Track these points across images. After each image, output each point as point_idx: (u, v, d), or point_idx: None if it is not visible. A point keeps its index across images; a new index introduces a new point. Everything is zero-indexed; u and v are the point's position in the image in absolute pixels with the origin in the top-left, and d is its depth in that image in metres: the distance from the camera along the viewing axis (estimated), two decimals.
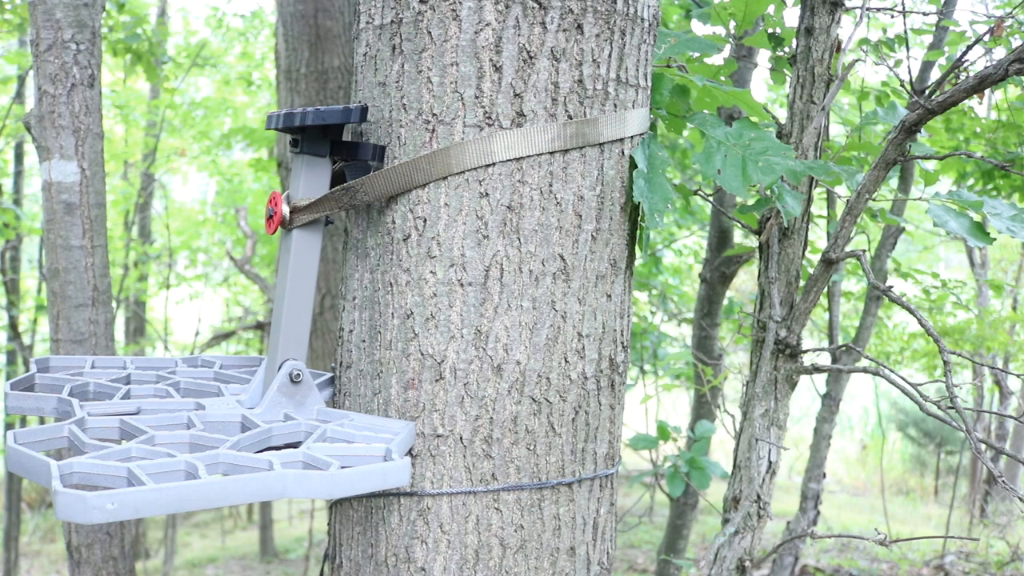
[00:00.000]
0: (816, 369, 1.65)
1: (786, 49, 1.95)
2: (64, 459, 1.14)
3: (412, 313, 1.36)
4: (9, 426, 8.84)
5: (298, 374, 1.43)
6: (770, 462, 1.69)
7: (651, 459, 3.12)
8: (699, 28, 3.28)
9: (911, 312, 1.36)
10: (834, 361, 2.00)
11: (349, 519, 1.46)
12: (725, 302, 3.65)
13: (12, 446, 1.19)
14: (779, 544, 1.60)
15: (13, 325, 8.01)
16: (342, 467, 1.19)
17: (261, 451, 1.29)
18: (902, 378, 1.40)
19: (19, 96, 8.33)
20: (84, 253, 2.52)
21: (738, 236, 3.73)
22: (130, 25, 6.04)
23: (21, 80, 8.14)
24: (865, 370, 1.50)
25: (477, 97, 1.32)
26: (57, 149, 2.47)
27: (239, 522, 10.18)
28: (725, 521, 1.73)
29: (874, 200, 1.68)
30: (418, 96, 1.34)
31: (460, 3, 1.31)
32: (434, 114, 1.33)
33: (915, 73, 3.09)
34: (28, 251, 9.28)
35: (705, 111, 1.70)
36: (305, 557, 6.62)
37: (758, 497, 1.65)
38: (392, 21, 1.37)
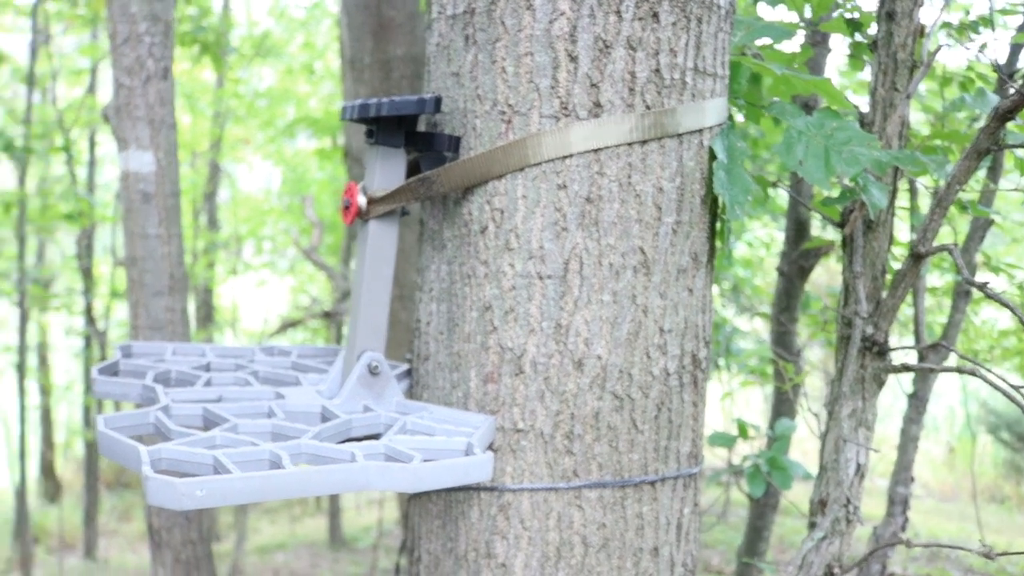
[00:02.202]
0: (907, 368, 1.60)
1: (867, 34, 1.89)
2: (147, 444, 1.16)
3: (491, 306, 1.35)
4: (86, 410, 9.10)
5: (376, 366, 1.43)
6: (858, 464, 1.64)
7: (728, 458, 3.07)
8: (766, 14, 3.20)
9: (1012, 310, 1.31)
10: (920, 359, 1.94)
11: (428, 512, 1.46)
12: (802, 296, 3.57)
13: (103, 431, 1.22)
14: (871, 551, 1.55)
15: (89, 311, 8.23)
16: (424, 460, 1.19)
17: (341, 442, 1.29)
18: (1002, 379, 1.35)
19: (91, 88, 8.53)
20: (160, 242, 2.56)
21: (815, 228, 3.63)
22: (197, 17, 6.15)
23: (93, 72, 8.33)
24: (960, 370, 1.44)
25: (553, 87, 1.30)
26: (134, 140, 2.52)
27: (307, 509, 10.32)
28: (811, 525, 1.69)
29: (962, 191, 1.63)
30: (493, 87, 1.33)
31: None
32: (509, 105, 1.32)
33: (1002, 57, 2.98)
34: (101, 238, 9.51)
35: (778, 99, 1.66)
36: (373, 546, 6.69)
37: (847, 500, 1.61)
38: (465, 11, 1.36)
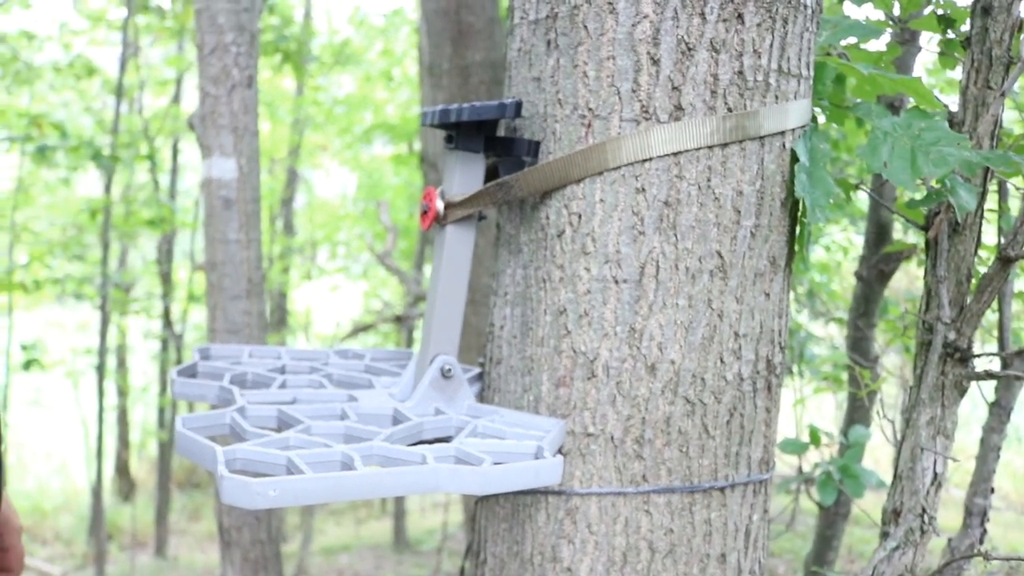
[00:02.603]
0: (990, 375, 1.55)
1: (961, 30, 1.83)
2: (220, 445, 1.17)
3: (565, 310, 1.34)
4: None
5: (449, 369, 1.43)
6: (935, 473, 1.59)
7: (798, 465, 3.02)
8: (852, 12, 3.13)
9: None
10: (1004, 366, 1.87)
11: (495, 515, 1.46)
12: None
13: (180, 431, 1.24)
14: (946, 562, 1.50)
15: (167, 314, 8.45)
16: (494, 463, 1.19)
17: (413, 444, 1.30)
18: None
19: (176, 98, 8.78)
20: (240, 247, 2.62)
21: (896, 231, 3.55)
22: (279, 27, 6.29)
23: (178, 82, 8.58)
24: None
25: (634, 91, 1.29)
26: (217, 147, 2.58)
27: (373, 512, 10.43)
28: (884, 535, 1.65)
29: None
30: (574, 91, 1.32)
31: None
32: (590, 109, 1.31)
33: None
34: (181, 244, 9.77)
35: (862, 100, 1.62)
36: (437, 549, 6.72)
37: (923, 510, 1.56)
38: (547, 16, 1.35)
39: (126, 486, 10.50)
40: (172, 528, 9.39)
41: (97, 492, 7.60)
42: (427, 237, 7.08)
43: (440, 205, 1.42)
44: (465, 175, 1.42)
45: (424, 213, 1.45)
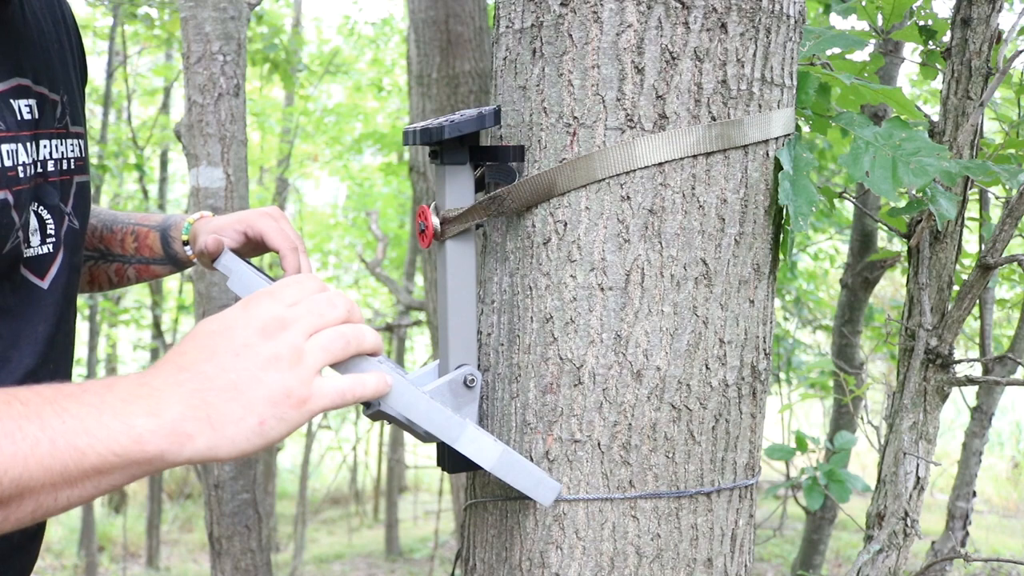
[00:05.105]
0: (971, 380, 1.57)
1: (943, 40, 1.86)
2: None
3: (551, 317, 1.35)
4: None
5: (472, 380, 1.42)
6: (918, 477, 1.61)
7: (785, 471, 3.04)
8: (838, 23, 3.17)
9: None
10: (986, 372, 1.90)
11: (484, 522, 1.47)
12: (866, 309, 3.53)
13: None
14: (928, 564, 1.52)
15: (156, 324, 8.43)
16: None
17: None
18: None
19: (164, 107, 8.78)
20: None
21: (881, 239, 3.59)
22: (268, 36, 6.29)
23: (167, 91, 8.58)
24: None
25: (619, 99, 1.30)
26: (204, 156, 2.58)
27: (365, 520, 10.43)
28: (868, 538, 1.66)
29: None
30: (559, 99, 1.33)
31: (601, 5, 1.30)
32: (575, 117, 1.32)
33: None
34: None
35: (846, 110, 1.64)
36: (430, 557, 6.73)
37: (906, 514, 1.58)
38: (532, 25, 1.37)
39: (117, 497, 10.45)
40: (164, 539, 9.35)
41: (87, 503, 7.56)
42: (417, 246, 7.09)
43: (436, 222, 1.42)
44: (455, 189, 1.42)
45: (422, 232, 1.45)
